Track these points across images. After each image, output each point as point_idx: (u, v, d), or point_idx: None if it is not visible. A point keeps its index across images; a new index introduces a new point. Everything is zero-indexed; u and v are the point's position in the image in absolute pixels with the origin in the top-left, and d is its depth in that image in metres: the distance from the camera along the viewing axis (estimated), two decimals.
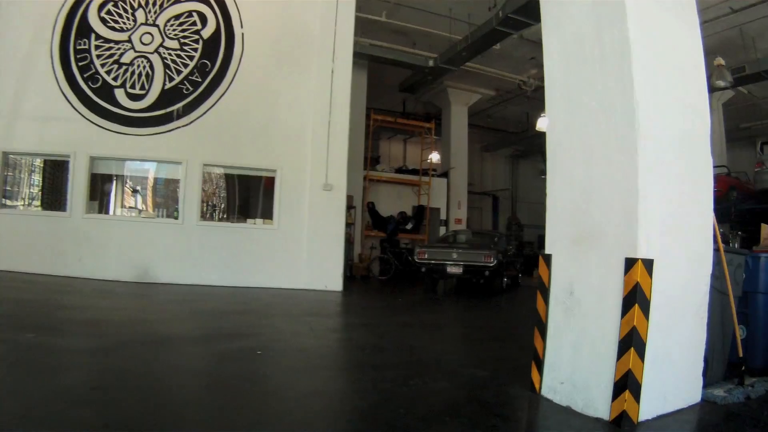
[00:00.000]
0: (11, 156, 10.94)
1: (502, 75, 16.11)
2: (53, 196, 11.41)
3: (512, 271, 13.02)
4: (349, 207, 13.06)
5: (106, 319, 6.38)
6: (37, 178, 11.68)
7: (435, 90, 18.01)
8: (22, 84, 10.60)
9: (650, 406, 3.37)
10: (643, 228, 3.37)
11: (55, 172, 11.35)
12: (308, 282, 10.44)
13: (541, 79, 10.80)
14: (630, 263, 3.35)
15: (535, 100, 16.06)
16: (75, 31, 10.78)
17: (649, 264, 3.31)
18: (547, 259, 4.07)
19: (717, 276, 4.01)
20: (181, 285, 9.94)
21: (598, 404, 3.45)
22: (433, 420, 3.40)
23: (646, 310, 3.31)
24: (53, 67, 10.64)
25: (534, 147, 21.42)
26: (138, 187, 11.85)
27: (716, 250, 3.98)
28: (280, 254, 10.63)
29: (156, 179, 11.88)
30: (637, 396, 3.29)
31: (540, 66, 12.29)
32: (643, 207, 3.38)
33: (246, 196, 11.83)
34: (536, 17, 6.97)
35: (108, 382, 3.89)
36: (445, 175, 17.67)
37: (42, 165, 11.49)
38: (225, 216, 11.59)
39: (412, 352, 5.58)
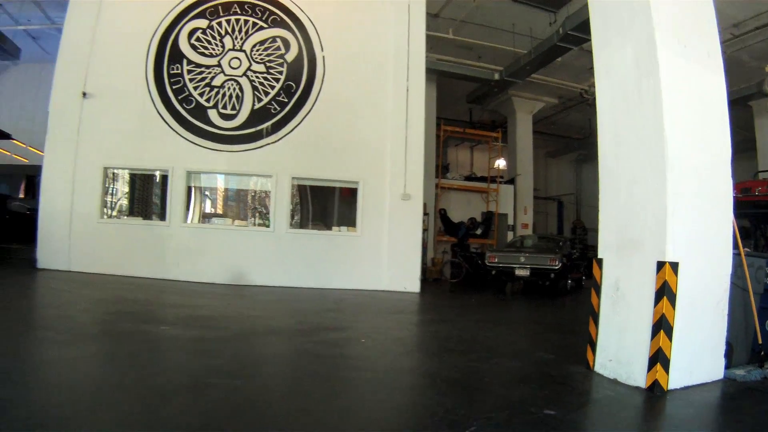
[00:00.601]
0: (113, 170, 12.57)
1: (564, 84, 17.18)
2: (147, 207, 13.05)
3: (576, 274, 14.02)
4: (423, 213, 14.31)
5: (221, 315, 7.87)
6: (133, 190, 13.31)
7: (500, 99, 19.18)
8: (122, 105, 12.29)
9: (678, 377, 4.54)
10: (671, 238, 4.54)
11: (148, 185, 12.99)
12: (388, 284, 11.82)
13: None
14: (660, 265, 4.53)
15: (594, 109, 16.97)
16: (168, 57, 12.44)
17: (674, 266, 4.48)
18: (600, 262, 5.27)
19: (740, 276, 5.09)
20: (272, 287, 11.45)
21: (638, 376, 4.63)
22: (511, 385, 4.72)
23: (672, 301, 4.47)
24: (149, 90, 12.31)
25: (597, 151, 22.26)
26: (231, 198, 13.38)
27: (737, 254, 5.05)
28: (362, 259, 12.06)
29: (248, 191, 13.34)
30: (666, 368, 4.46)
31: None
32: (671, 222, 4.55)
33: (331, 206, 13.23)
34: None
35: (251, 360, 5.34)
36: (511, 181, 18.77)
37: (139, 178, 13.10)
38: (311, 224, 12.94)
39: (489, 341, 6.85)
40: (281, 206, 12.07)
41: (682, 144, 4.71)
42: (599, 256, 5.30)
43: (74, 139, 12.12)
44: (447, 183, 17.26)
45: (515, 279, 12.75)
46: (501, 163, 18.91)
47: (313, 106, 12.22)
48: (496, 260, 12.50)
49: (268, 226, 12.15)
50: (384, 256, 11.96)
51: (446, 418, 3.65)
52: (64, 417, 3.35)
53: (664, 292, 4.47)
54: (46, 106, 12.40)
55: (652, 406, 4.35)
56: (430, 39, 14.42)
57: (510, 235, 17.72)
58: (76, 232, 11.99)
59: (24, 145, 19.15)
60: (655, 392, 4.45)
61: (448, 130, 17.31)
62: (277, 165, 12.04)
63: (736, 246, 5.06)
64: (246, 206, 13.36)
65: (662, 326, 4.46)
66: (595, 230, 5.34)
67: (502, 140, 18.84)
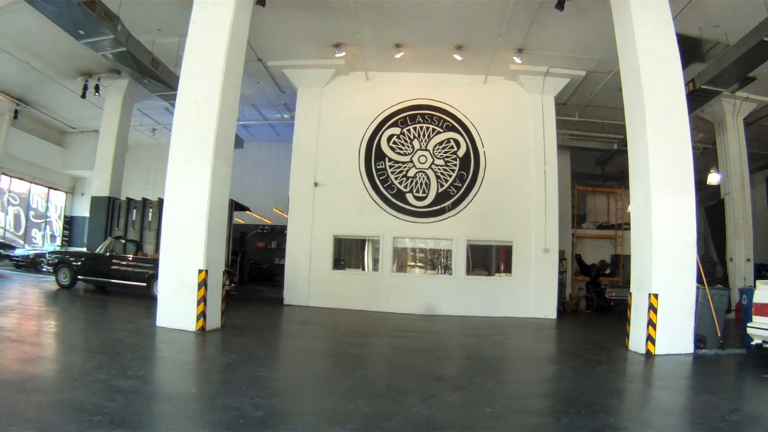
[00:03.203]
0: (340, 238, 19.63)
1: None
2: (362, 261, 20.05)
3: None
4: (561, 259, 20.33)
5: (422, 329, 14.49)
6: (352, 250, 20.35)
7: (624, 158, 24.76)
8: (344, 191, 19.61)
9: (661, 348, 10.40)
10: (654, 282, 10.52)
11: (364, 246, 19.97)
12: (533, 312, 18.02)
13: (707, 141, 18.15)
14: (650, 294, 10.48)
15: (706, 157, 22.04)
16: (374, 156, 19.58)
17: (656, 295, 10.43)
18: (630, 294, 11.25)
19: (706, 300, 10.91)
20: (453, 315, 17.96)
21: (642, 348, 10.56)
22: (593, 351, 10.95)
23: (655, 311, 10.41)
24: (362, 179, 19.55)
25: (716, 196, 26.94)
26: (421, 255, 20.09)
27: (700, 286, 10.85)
28: (515, 295, 18.42)
29: (436, 249, 19.95)
30: (653, 343, 10.38)
31: (704, 131, 19.09)
32: (655, 274, 10.52)
33: (492, 258, 19.66)
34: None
35: (443, 345, 11.97)
36: None
37: (357, 242, 20.08)
38: (480, 271, 19.37)
39: (606, 339, 12.90)
40: (459, 260, 18.78)
41: (663, 235, 10.62)
42: (631, 291, 11.31)
43: (310, 215, 19.46)
44: (582, 233, 23.15)
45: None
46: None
47: (479, 188, 18.87)
48: (614, 294, 18.32)
49: (450, 274, 18.90)
50: (531, 292, 18.16)
51: (566, 358, 10.01)
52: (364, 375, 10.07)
53: (652, 308, 10.42)
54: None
55: (648, 359, 10.23)
56: (561, 121, 20.58)
57: None
58: (313, 278, 19.16)
59: (254, 214, 27.07)
60: (647, 355, 10.38)
61: (581, 189, 23.26)
62: (455, 231, 18.82)
63: (699, 280, 10.87)
64: (434, 260, 19.96)
65: (651, 323, 10.40)
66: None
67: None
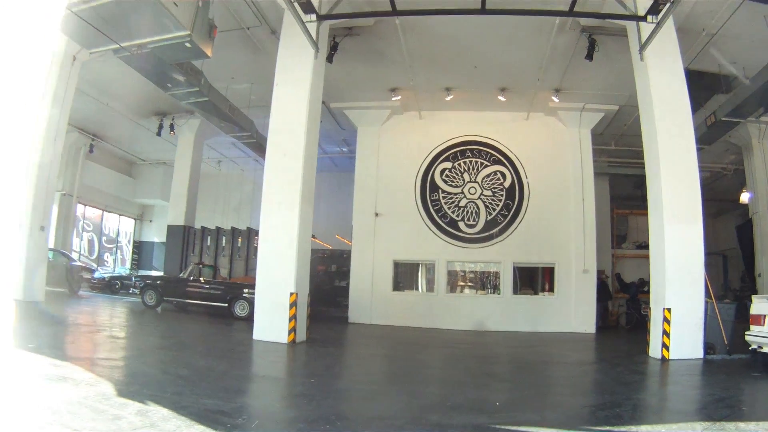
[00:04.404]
0: (399, 262, 22.46)
1: (708, 166, 24.83)
2: (416, 283, 22.86)
3: None
4: (603, 277, 22.87)
5: (475, 342, 17.17)
6: (410, 273, 23.16)
7: None
8: (402, 220, 22.51)
9: (674, 354, 12.93)
10: (667, 297, 13.11)
11: (421, 270, 22.79)
12: (574, 327, 20.58)
13: (738, 163, 20.93)
14: (664, 309, 13.09)
15: (738, 177, 24.41)
16: (429, 188, 22.40)
17: (669, 309, 13.02)
18: (649, 308, 13.87)
19: (713, 314, 13.47)
20: (501, 331, 20.58)
21: (658, 353, 13.15)
22: (616, 357, 13.65)
23: (669, 323, 13.00)
24: (418, 210, 22.48)
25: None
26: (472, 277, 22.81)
27: (708, 300, 13.41)
28: (557, 312, 21.04)
29: (485, 272, 22.65)
30: (668, 350, 12.97)
31: (735, 153, 21.54)
32: (668, 290, 13.13)
33: (537, 278, 22.32)
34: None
35: (493, 354, 14.73)
36: None
37: (412, 266, 22.88)
38: (525, 290, 22.01)
39: (633, 348, 15.53)
40: (506, 281, 21.55)
41: (674, 257, 13.19)
42: (650, 305, 13.92)
43: (372, 242, 22.39)
44: (621, 253, 25.59)
45: None
46: None
47: (524, 215, 21.66)
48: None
49: (498, 293, 21.63)
50: (571, 309, 20.73)
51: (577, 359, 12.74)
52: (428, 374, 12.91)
53: (665, 319, 13.02)
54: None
55: (663, 362, 12.79)
56: (599, 150, 23.18)
57: None
58: (375, 299, 22.01)
59: (316, 240, 29.95)
60: (663, 359, 12.95)
61: (619, 212, 25.78)
62: (502, 255, 21.59)
63: (707, 294, 13.41)
64: (484, 281, 22.64)
65: (665, 333, 12.99)
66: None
67: None
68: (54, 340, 11.16)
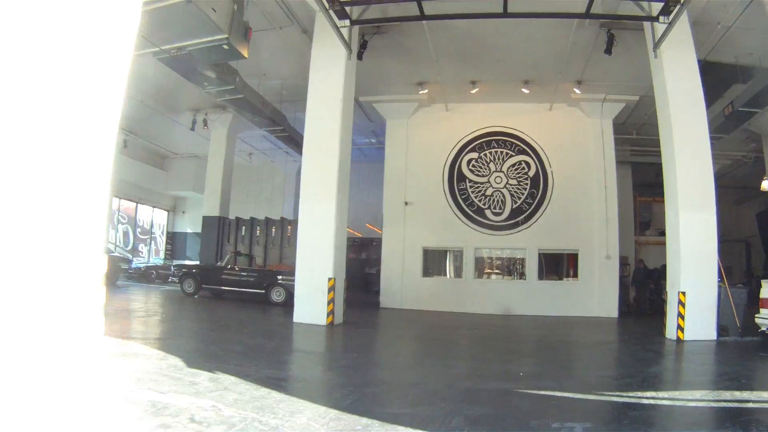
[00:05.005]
0: (428, 249, 23.67)
1: (729, 154, 25.70)
2: (444, 269, 24.05)
3: None
4: (625, 264, 23.89)
5: (501, 325, 18.31)
6: (438, 260, 24.35)
7: None
8: (430, 209, 23.68)
9: (689, 335, 14.01)
10: (683, 281, 14.20)
11: (444, 255, 23.96)
12: (597, 312, 21.56)
13: (758, 151, 21.97)
14: (679, 293, 14.18)
15: (760, 165, 24.89)
16: (456, 178, 23.57)
17: (683, 292, 14.11)
18: (666, 293, 14.97)
19: (727, 297, 14.53)
20: (527, 315, 21.66)
21: (674, 334, 14.24)
22: (637, 337, 14.85)
23: (684, 306, 14.09)
24: (446, 199, 23.63)
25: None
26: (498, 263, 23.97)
27: (720, 283, 14.47)
28: (581, 296, 22.09)
29: (512, 258, 23.80)
30: (683, 331, 14.06)
31: (755, 141, 22.47)
32: (683, 275, 14.22)
33: (561, 264, 23.42)
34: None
35: (518, 335, 15.96)
36: None
37: (440, 252, 24.07)
38: (550, 276, 23.13)
39: (652, 331, 16.68)
40: (532, 266, 22.70)
41: (689, 244, 14.24)
42: (667, 289, 15.00)
43: (402, 230, 23.59)
44: (644, 239, 26.54)
45: None
46: None
47: (548, 203, 22.72)
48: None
49: (524, 279, 22.79)
50: (594, 294, 21.77)
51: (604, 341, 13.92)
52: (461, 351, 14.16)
53: (680, 303, 14.10)
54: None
55: (678, 343, 13.88)
56: (621, 139, 24.15)
57: None
58: (405, 285, 23.21)
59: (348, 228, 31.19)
60: (678, 340, 14.02)
61: (641, 199, 26.72)
62: (528, 242, 22.74)
63: (720, 278, 14.46)
64: (510, 267, 23.77)
65: (680, 315, 14.06)
66: None
67: None
68: (111, 324, 12.17)
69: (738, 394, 8.21)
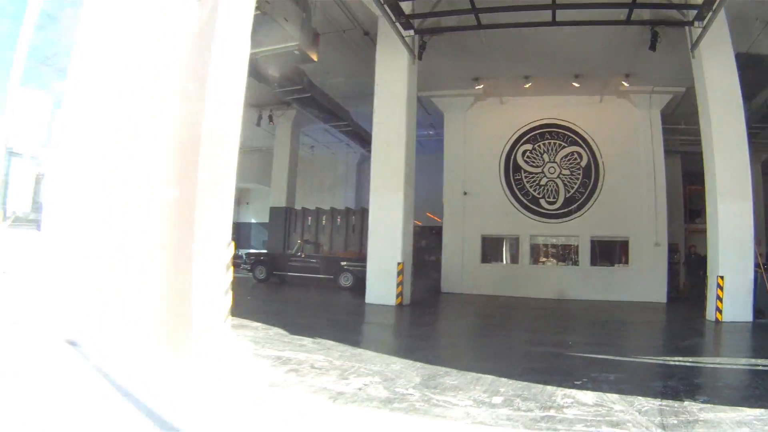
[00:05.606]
0: (486, 237, 25.39)
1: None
2: (501, 255, 25.77)
3: None
4: (675, 251, 25.28)
5: (557, 307, 20.03)
6: (496, 246, 26.05)
7: None
8: (488, 198, 25.35)
9: (727, 317, 15.50)
10: (721, 267, 15.73)
11: (504, 244, 25.68)
12: (647, 297, 22.76)
13: None
14: (718, 277, 15.73)
15: None
16: (512, 168, 25.25)
17: (722, 277, 15.65)
18: (708, 275, 16.55)
19: (763, 281, 16.05)
20: (580, 299, 23.15)
21: (712, 316, 15.79)
22: (684, 317, 16.56)
23: (722, 289, 15.64)
24: (503, 188, 25.32)
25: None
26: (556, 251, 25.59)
27: (756, 269, 15.99)
28: (631, 281, 23.46)
29: (565, 245, 25.40)
30: (721, 313, 15.59)
31: None
32: (722, 261, 15.75)
33: (612, 250, 24.92)
34: None
35: (571, 315, 17.84)
36: None
37: (496, 240, 25.76)
38: (602, 262, 24.61)
39: (695, 314, 18.29)
40: (584, 253, 24.29)
41: (727, 231, 15.72)
42: (707, 274, 16.54)
43: (461, 218, 25.35)
44: (695, 227, 27.76)
45: None
46: None
47: (599, 192, 24.18)
48: None
49: (577, 265, 24.42)
50: (644, 279, 23.11)
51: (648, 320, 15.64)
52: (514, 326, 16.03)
53: (719, 286, 15.62)
54: None
55: (716, 324, 15.40)
56: (670, 129, 25.40)
57: None
58: (465, 270, 24.94)
59: None
60: (717, 321, 15.53)
61: (691, 188, 27.92)
62: (581, 229, 24.29)
63: (756, 264, 15.94)
64: (564, 253, 25.39)
65: (718, 298, 15.58)
66: None
67: None
68: None
69: (754, 362, 9.95)
